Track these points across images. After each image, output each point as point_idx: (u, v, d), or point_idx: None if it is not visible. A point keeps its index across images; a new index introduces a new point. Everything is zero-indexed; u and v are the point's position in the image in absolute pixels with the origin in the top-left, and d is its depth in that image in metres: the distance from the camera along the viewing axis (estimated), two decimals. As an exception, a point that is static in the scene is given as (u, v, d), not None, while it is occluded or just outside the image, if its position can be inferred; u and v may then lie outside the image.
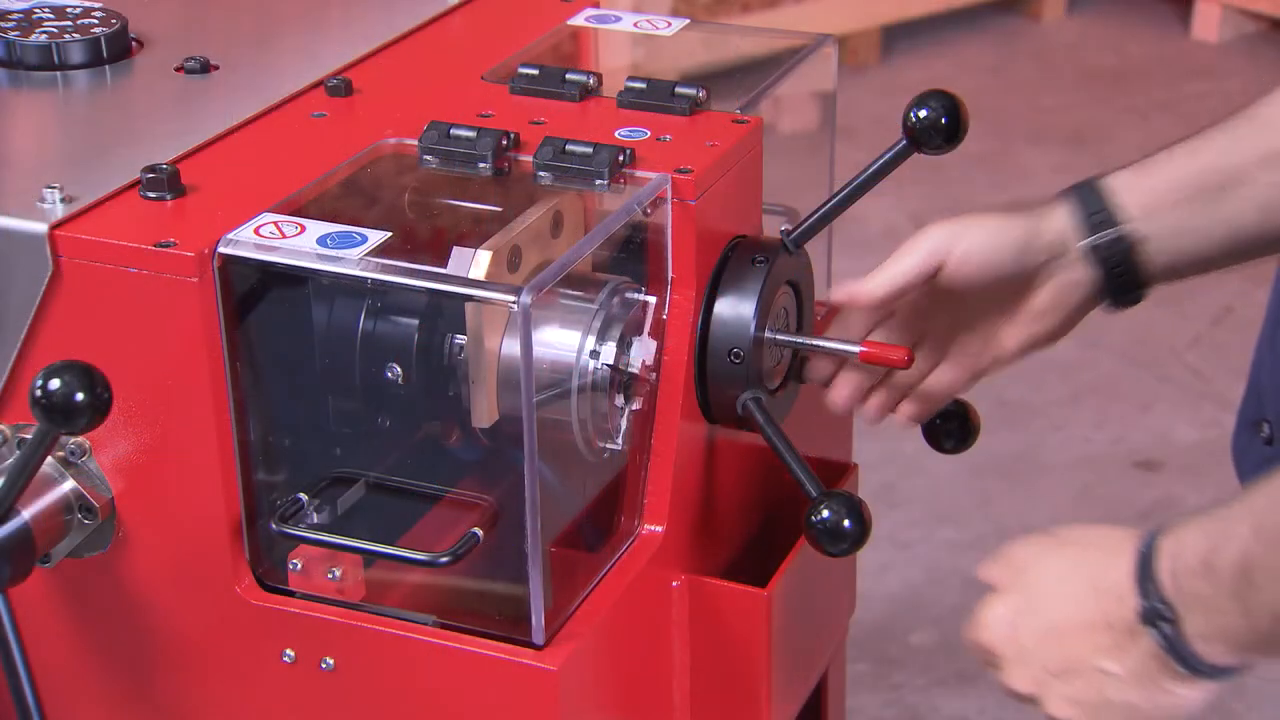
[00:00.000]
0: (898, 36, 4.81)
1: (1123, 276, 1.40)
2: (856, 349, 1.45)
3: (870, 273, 1.41)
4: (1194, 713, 1.18)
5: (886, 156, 1.42)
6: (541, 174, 1.38)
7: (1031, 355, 1.45)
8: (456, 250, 1.31)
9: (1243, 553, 1.07)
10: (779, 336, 1.45)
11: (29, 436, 1.25)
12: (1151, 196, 1.40)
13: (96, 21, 1.60)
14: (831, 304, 1.46)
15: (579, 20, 1.70)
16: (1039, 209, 1.42)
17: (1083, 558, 1.20)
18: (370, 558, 1.33)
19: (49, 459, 1.32)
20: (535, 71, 1.51)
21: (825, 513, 1.32)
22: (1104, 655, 1.17)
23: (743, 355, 1.39)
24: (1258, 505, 1.08)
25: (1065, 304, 1.42)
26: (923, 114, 1.40)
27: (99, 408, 1.17)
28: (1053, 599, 1.20)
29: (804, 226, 1.45)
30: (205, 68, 1.57)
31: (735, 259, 1.41)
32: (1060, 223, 1.40)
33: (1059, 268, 1.41)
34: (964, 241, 1.40)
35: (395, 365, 1.35)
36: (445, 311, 1.34)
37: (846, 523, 1.32)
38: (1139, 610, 1.14)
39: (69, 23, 1.59)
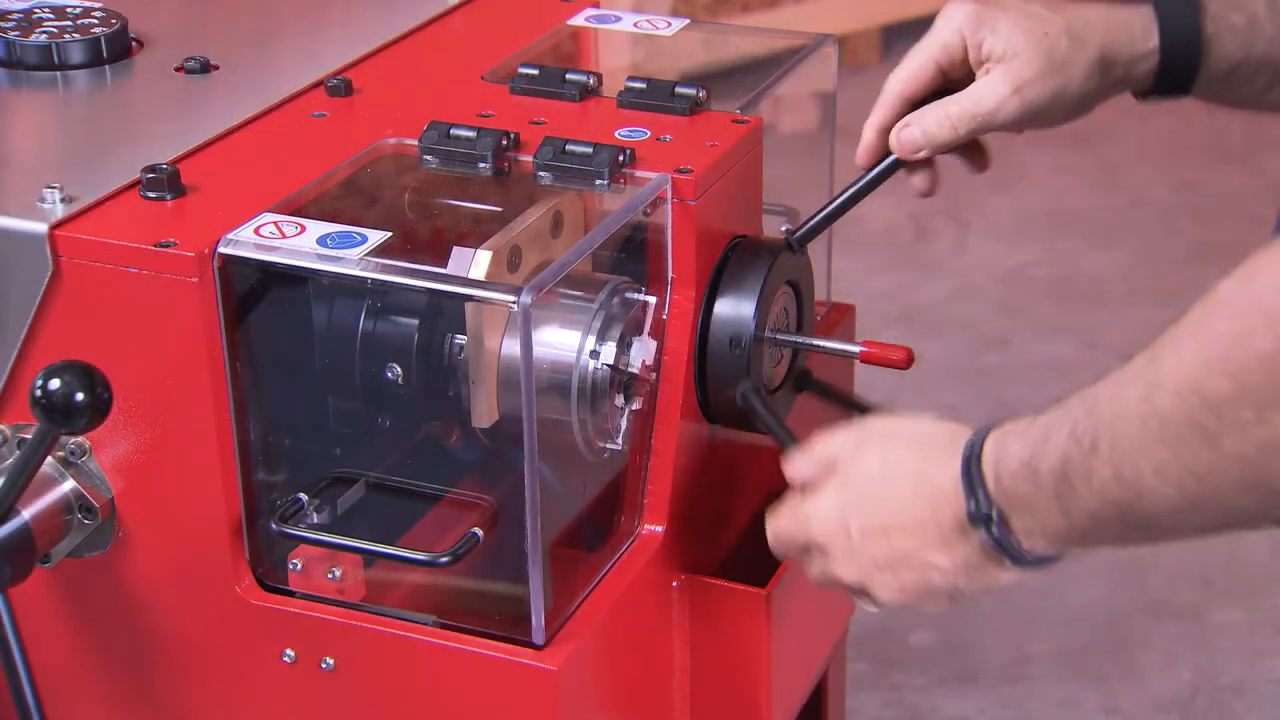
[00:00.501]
0: (898, 36, 4.80)
1: (1181, 40, 1.39)
2: (856, 349, 1.45)
3: (929, 120, 1.40)
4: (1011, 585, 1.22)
5: (893, 157, 1.42)
6: (541, 174, 1.38)
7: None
8: (456, 250, 1.31)
9: (1061, 457, 1.09)
10: (779, 336, 1.45)
11: (29, 436, 1.25)
12: (1238, 66, 1.39)
13: (96, 21, 1.60)
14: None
15: (579, 20, 1.70)
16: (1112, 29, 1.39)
17: (908, 456, 1.21)
18: (370, 558, 1.33)
19: (49, 459, 1.32)
20: (535, 71, 1.51)
21: None
22: (932, 550, 1.20)
23: (743, 353, 1.39)
24: (1075, 412, 1.10)
25: (1101, 38, 1.39)
26: None
27: (99, 408, 1.17)
28: (880, 496, 1.22)
29: (810, 225, 1.45)
30: (205, 68, 1.57)
31: (735, 259, 1.41)
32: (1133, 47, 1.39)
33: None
34: (1028, 100, 1.37)
35: (395, 365, 1.35)
36: (445, 311, 1.34)
37: None
38: (967, 511, 1.16)
39: (69, 23, 1.59)
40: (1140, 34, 1.39)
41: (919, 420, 1.25)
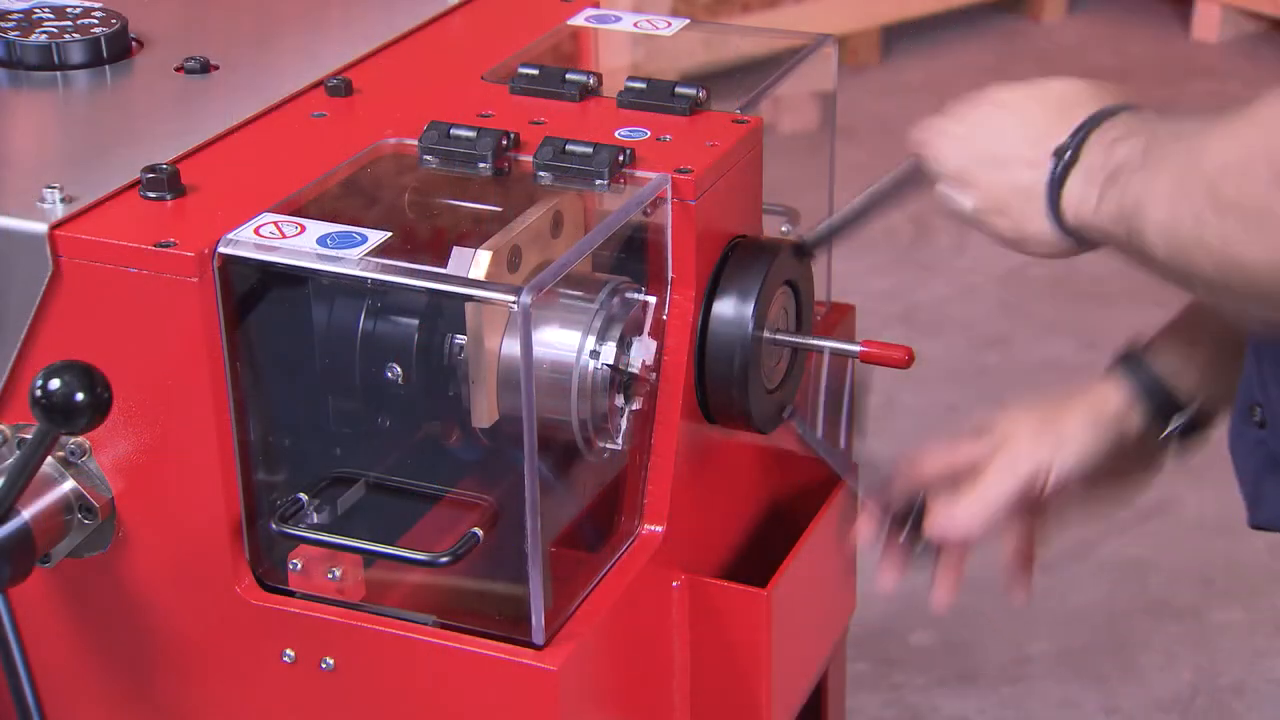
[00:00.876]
0: (898, 36, 4.80)
1: (1193, 431, 1.46)
2: (856, 349, 1.45)
3: (963, 499, 1.41)
4: (1056, 256, 1.27)
5: (907, 168, 1.43)
6: (541, 174, 1.38)
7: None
8: (456, 250, 1.31)
9: (1125, 156, 1.17)
10: (778, 336, 1.45)
11: (29, 436, 1.25)
12: (1198, 371, 1.46)
13: (96, 21, 1.60)
14: (931, 538, 1.44)
15: (579, 20, 1.70)
16: (1103, 398, 1.45)
17: (1069, 87, 1.27)
18: (370, 558, 1.33)
19: (49, 459, 1.32)
20: (535, 71, 1.51)
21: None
22: (1022, 165, 1.26)
23: (743, 350, 1.39)
24: (1166, 124, 1.17)
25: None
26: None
27: (99, 408, 1.17)
28: (1019, 98, 1.29)
29: (822, 233, 1.46)
30: (205, 68, 1.57)
31: (734, 259, 1.41)
32: (1129, 410, 1.45)
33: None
34: (1060, 460, 1.42)
35: (395, 365, 1.35)
36: (445, 311, 1.34)
37: None
38: (1059, 143, 1.23)
39: (69, 23, 1.59)
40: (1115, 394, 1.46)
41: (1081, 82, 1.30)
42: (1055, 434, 1.41)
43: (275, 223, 1.29)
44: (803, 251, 1.45)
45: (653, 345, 1.37)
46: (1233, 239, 1.04)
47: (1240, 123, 1.06)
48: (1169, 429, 1.44)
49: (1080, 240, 1.24)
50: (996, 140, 1.29)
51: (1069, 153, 1.22)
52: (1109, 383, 1.46)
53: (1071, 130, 1.23)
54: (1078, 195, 1.21)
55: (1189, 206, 1.08)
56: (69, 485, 1.33)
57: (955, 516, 1.40)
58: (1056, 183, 1.23)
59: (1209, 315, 1.45)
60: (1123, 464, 1.46)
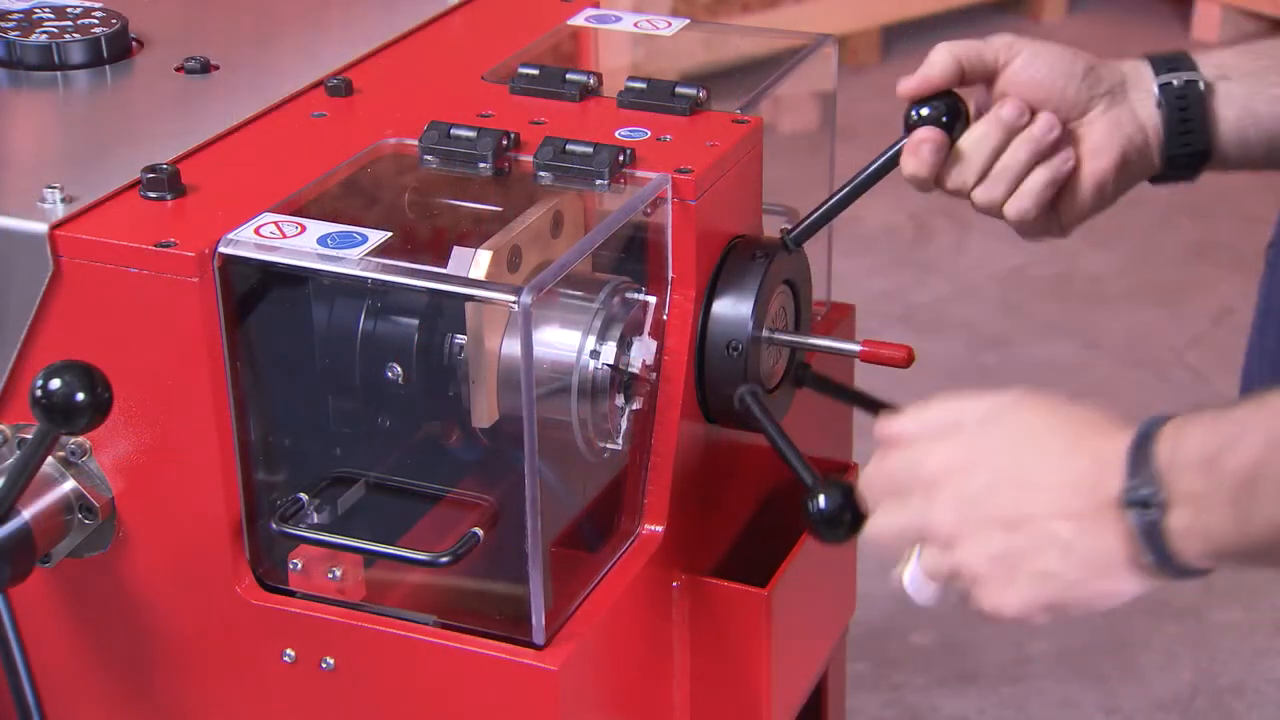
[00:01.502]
0: (898, 36, 4.81)
1: (1188, 125, 1.36)
2: (856, 348, 1.45)
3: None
4: (1100, 610, 1.11)
5: (888, 154, 1.42)
6: (541, 174, 1.38)
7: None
8: (456, 250, 1.31)
9: (1256, 459, 1.01)
10: (777, 335, 1.45)
11: (29, 436, 1.25)
12: (1229, 58, 1.38)
13: (96, 21, 1.60)
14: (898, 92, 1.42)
15: (579, 20, 1.70)
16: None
17: (1066, 421, 1.11)
18: (370, 558, 1.33)
19: (49, 459, 1.32)
20: (535, 71, 1.51)
21: (822, 501, 1.29)
22: (1062, 519, 1.08)
23: (741, 351, 1.39)
24: (1271, 411, 1.02)
25: (1117, 147, 1.39)
26: (924, 112, 1.40)
27: (99, 408, 1.17)
28: (1029, 447, 1.11)
29: (804, 225, 1.45)
30: (205, 68, 1.57)
31: (734, 258, 1.41)
32: (1129, 65, 1.39)
33: (1119, 102, 1.39)
34: (1020, 56, 1.40)
35: (395, 365, 1.35)
36: (445, 311, 1.34)
37: (842, 510, 1.28)
38: (1124, 489, 1.06)
39: (69, 23, 1.59)
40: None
41: (1060, 402, 1.15)
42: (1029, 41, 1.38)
43: (275, 223, 1.29)
44: (785, 246, 1.44)
45: (653, 345, 1.37)
46: None
47: None
48: (1164, 76, 1.38)
49: (1202, 573, 1.08)
50: (1016, 494, 1.10)
51: (1154, 502, 1.04)
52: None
53: (1125, 471, 1.05)
54: (1191, 535, 1.04)
55: None
56: (69, 485, 1.33)
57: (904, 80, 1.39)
58: (1158, 535, 1.05)
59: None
60: (1093, 111, 1.40)
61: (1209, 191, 4.18)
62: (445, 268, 1.30)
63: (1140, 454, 1.06)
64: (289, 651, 1.33)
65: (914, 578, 1.17)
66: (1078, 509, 1.08)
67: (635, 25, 1.69)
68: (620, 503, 1.40)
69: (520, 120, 1.45)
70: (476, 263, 1.31)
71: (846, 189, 1.44)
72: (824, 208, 1.45)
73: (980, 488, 1.11)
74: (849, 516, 1.28)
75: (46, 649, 1.40)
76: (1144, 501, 1.05)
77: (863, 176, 1.43)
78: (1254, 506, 1.02)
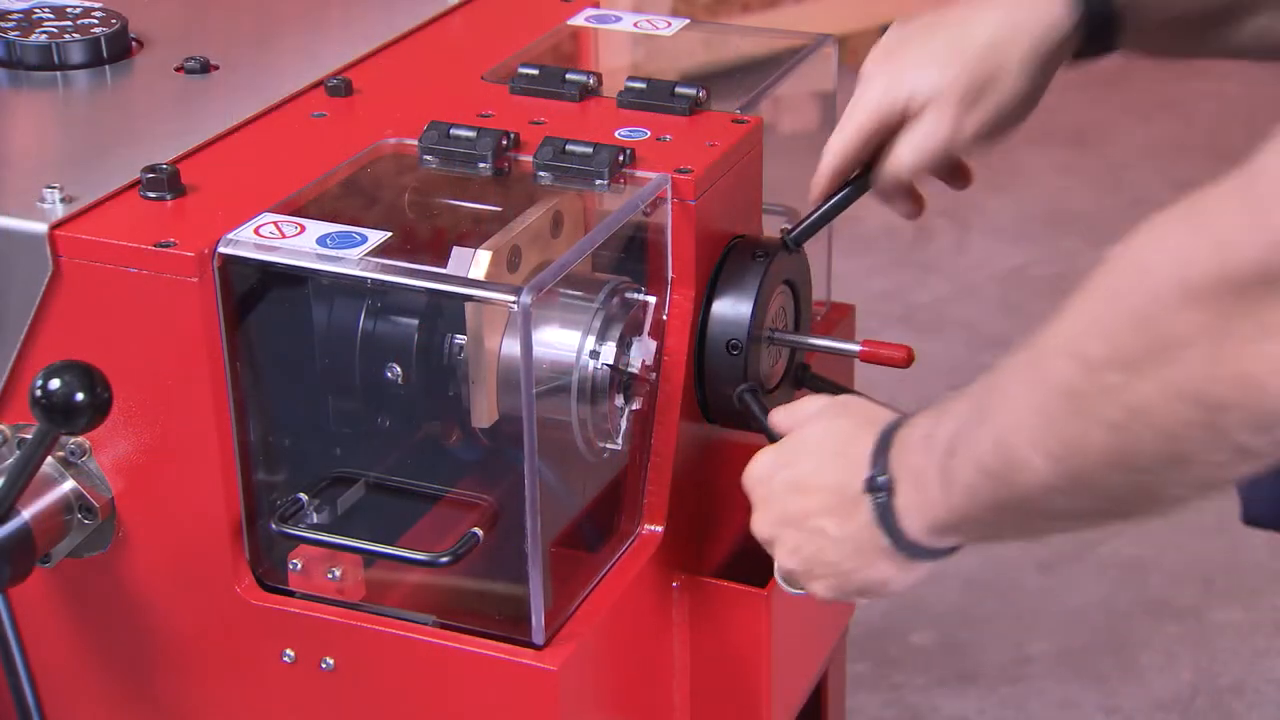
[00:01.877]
0: (898, 36, 4.80)
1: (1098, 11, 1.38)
2: (856, 348, 1.45)
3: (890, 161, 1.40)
4: (896, 594, 1.22)
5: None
6: (541, 174, 1.38)
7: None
8: (456, 250, 1.31)
9: (955, 428, 1.09)
10: (777, 335, 1.45)
11: (29, 436, 1.25)
12: (1152, 31, 1.40)
13: (96, 21, 1.60)
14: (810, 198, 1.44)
15: (579, 20, 1.70)
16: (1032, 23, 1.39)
17: (846, 426, 1.22)
18: (370, 558, 1.33)
19: (49, 459, 1.32)
20: (535, 71, 1.51)
21: None
22: (827, 515, 1.20)
23: (740, 351, 1.39)
24: (978, 386, 1.08)
25: (1028, 34, 1.39)
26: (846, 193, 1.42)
27: (99, 407, 1.17)
28: (807, 455, 1.23)
29: (804, 225, 1.45)
30: (205, 68, 1.57)
31: (734, 258, 1.41)
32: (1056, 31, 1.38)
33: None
34: (978, 117, 1.38)
35: (395, 365, 1.35)
36: (445, 311, 1.34)
37: None
38: (865, 479, 1.16)
39: (69, 23, 1.59)
40: (1064, 17, 1.38)
41: (876, 405, 1.25)
42: (975, 92, 1.37)
43: (275, 223, 1.29)
44: (786, 245, 1.44)
45: (653, 345, 1.37)
46: (1120, 392, 0.95)
47: (1071, 302, 0.98)
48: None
49: (943, 553, 1.17)
50: (800, 499, 1.23)
51: (882, 484, 1.15)
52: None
53: (869, 459, 1.16)
54: (913, 511, 1.14)
55: (1058, 392, 0.98)
56: (69, 485, 1.33)
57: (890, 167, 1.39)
58: (890, 518, 1.15)
59: None
60: (1036, 82, 1.41)
61: (1209, 191, 4.19)
62: (445, 268, 1.30)
63: (881, 445, 1.17)
64: (289, 651, 1.33)
65: (779, 573, 1.30)
66: (838, 504, 1.19)
67: (635, 25, 1.69)
68: (620, 503, 1.40)
69: (520, 120, 1.45)
70: (476, 263, 1.31)
71: (848, 188, 1.44)
72: (825, 207, 1.45)
73: (777, 493, 1.25)
74: None
75: (46, 649, 1.40)
76: (878, 487, 1.16)
77: (863, 177, 1.43)
78: (952, 474, 1.09)
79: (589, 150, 1.37)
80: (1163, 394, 0.93)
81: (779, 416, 1.32)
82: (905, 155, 1.38)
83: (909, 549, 1.17)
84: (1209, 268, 0.89)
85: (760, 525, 1.27)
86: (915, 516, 1.15)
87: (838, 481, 1.20)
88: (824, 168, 1.42)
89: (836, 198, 1.44)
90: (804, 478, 1.23)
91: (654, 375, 1.38)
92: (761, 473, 1.27)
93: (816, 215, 1.45)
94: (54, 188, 1.31)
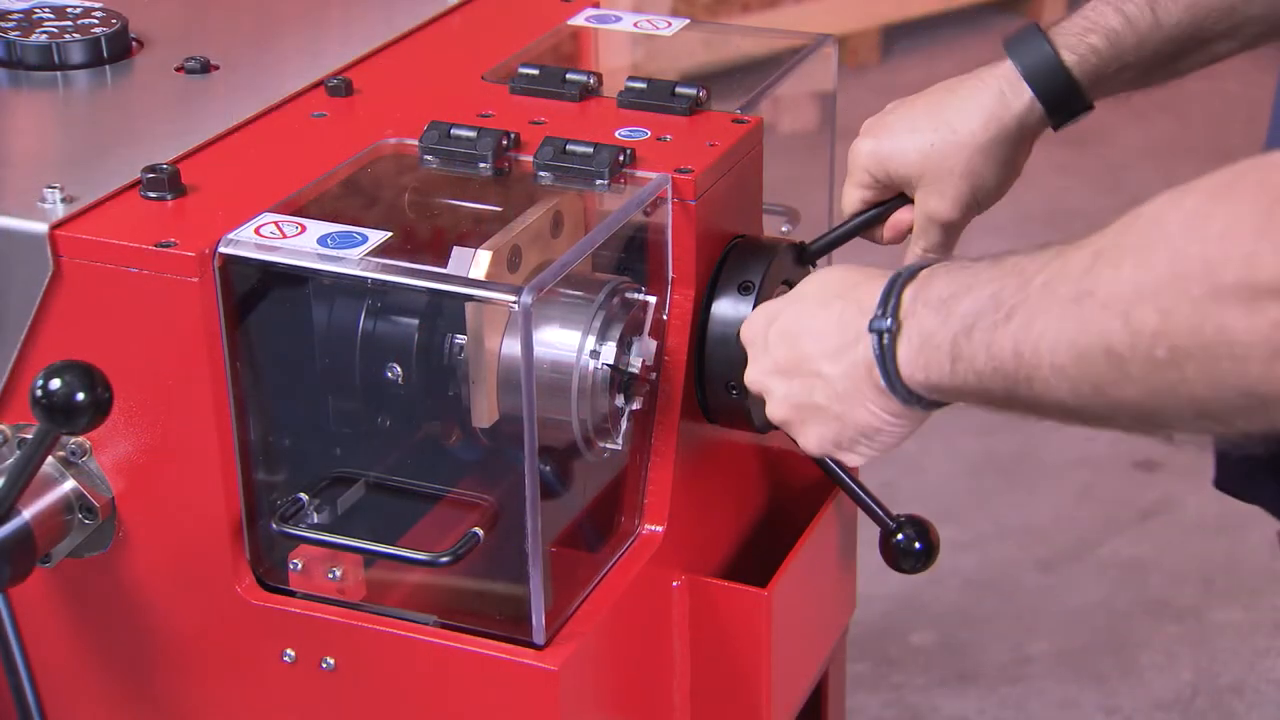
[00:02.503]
0: (898, 36, 4.81)
1: (1058, 95, 1.45)
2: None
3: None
4: (887, 447, 1.23)
5: None
6: (541, 174, 1.38)
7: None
8: (457, 250, 1.31)
9: (975, 311, 1.10)
10: (779, 336, 1.45)
11: (29, 436, 1.25)
12: (1108, 83, 1.47)
13: (96, 21, 1.60)
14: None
15: (579, 20, 1.70)
16: (998, 109, 1.46)
17: (846, 273, 1.25)
18: (371, 558, 1.33)
19: (49, 459, 1.32)
20: (535, 71, 1.51)
21: (901, 536, 1.48)
22: (826, 359, 1.21)
23: (741, 353, 1.39)
24: (1007, 278, 1.09)
25: (1002, 123, 1.46)
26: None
27: (100, 407, 1.17)
28: (805, 305, 1.25)
29: (825, 241, 1.48)
30: (205, 68, 1.57)
31: (733, 259, 1.41)
32: (1019, 113, 1.46)
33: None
34: (962, 205, 1.47)
35: (395, 365, 1.35)
36: (445, 311, 1.34)
37: (918, 544, 1.48)
38: (871, 318, 1.18)
39: (69, 23, 1.59)
40: (1012, 93, 1.46)
41: (856, 267, 1.27)
42: (951, 182, 1.46)
43: (276, 223, 1.29)
44: (804, 258, 1.46)
45: (653, 345, 1.37)
46: (1165, 364, 0.97)
47: (1132, 247, 1.00)
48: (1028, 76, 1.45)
49: (931, 405, 1.18)
50: (793, 346, 1.25)
51: (888, 325, 1.16)
52: (1011, 81, 1.46)
53: (878, 302, 1.18)
54: (919, 363, 1.15)
55: (1097, 342, 1.01)
56: (69, 485, 1.33)
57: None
58: (890, 358, 1.16)
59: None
60: (1008, 160, 1.49)
61: (1209, 191, 4.19)
62: (445, 268, 1.30)
63: (889, 293, 1.18)
64: (289, 651, 1.33)
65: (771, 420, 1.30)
66: (838, 345, 1.21)
67: (635, 25, 1.69)
68: (620, 503, 1.40)
69: (520, 120, 1.45)
70: (476, 263, 1.31)
71: (872, 211, 1.48)
72: (847, 226, 1.49)
73: (772, 342, 1.27)
74: (923, 549, 1.49)
75: (46, 649, 1.40)
76: (882, 329, 1.17)
77: (891, 202, 1.48)
78: (963, 351, 1.11)
79: (589, 150, 1.37)
80: (1210, 383, 0.96)
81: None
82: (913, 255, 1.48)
83: (903, 393, 1.17)
84: (1275, 273, 0.91)
85: (753, 374, 1.28)
86: (915, 370, 1.16)
87: (839, 322, 1.21)
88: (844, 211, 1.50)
89: (860, 218, 1.48)
90: (799, 324, 1.24)
91: (654, 375, 1.38)
92: (757, 324, 1.29)
93: (838, 233, 1.48)
94: (54, 188, 1.31)
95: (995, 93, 1.45)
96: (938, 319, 1.13)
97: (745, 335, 1.31)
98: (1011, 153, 1.47)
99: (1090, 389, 1.03)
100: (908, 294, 1.17)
